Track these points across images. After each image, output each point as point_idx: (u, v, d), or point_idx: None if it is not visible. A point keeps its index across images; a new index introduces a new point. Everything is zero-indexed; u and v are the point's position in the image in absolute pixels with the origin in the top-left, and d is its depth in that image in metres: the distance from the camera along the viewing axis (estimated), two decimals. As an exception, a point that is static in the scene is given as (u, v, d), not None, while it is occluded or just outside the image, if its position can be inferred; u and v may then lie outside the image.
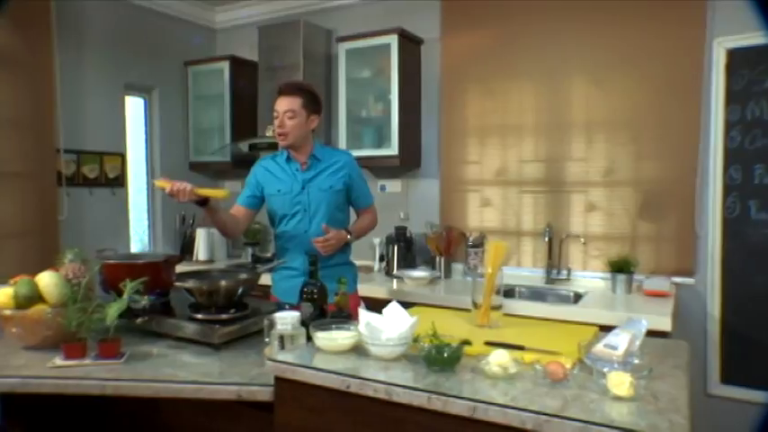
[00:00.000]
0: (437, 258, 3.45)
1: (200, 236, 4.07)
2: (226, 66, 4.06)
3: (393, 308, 1.65)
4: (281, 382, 1.54)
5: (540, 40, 3.30)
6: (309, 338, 1.71)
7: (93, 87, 3.68)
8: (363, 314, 1.61)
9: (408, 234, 3.57)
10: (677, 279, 2.97)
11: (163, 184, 2.20)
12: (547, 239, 3.23)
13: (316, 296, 1.96)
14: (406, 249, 3.54)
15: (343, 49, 3.58)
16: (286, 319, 1.69)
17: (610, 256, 3.08)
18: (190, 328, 1.95)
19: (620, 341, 1.43)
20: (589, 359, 1.43)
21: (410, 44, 3.54)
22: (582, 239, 3.19)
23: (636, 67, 3.04)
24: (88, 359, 1.78)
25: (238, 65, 4.12)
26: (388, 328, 1.54)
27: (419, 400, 1.32)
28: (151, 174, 4.15)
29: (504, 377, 1.38)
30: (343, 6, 3.96)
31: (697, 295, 2.95)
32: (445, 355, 1.43)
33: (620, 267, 2.97)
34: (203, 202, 2.26)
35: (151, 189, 4.16)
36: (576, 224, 3.25)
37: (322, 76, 3.92)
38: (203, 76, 4.22)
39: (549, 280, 3.24)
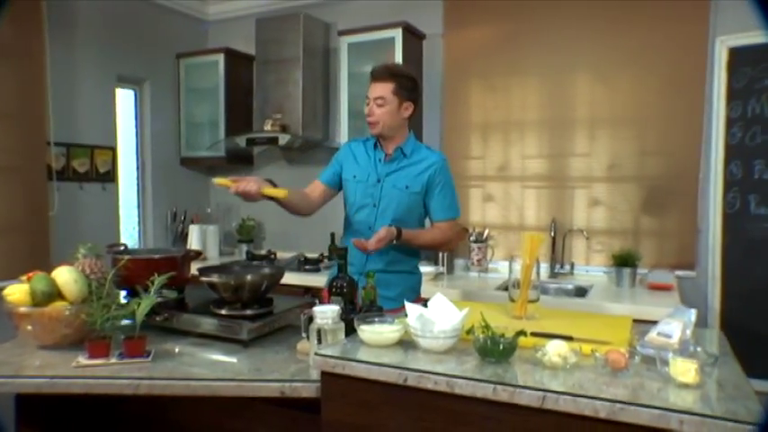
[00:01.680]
0: (440, 254, 3.44)
1: (193, 232, 3.96)
2: (220, 58, 3.96)
3: (438, 300, 1.63)
4: (328, 377, 1.49)
5: (543, 37, 3.32)
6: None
7: (84, 79, 3.54)
8: (412, 307, 1.58)
9: (410, 230, 3.54)
10: (679, 272, 3.03)
11: (225, 182, 2.00)
12: (552, 234, 3.25)
13: (345, 290, 1.92)
14: (409, 245, 3.51)
15: (344, 42, 3.54)
16: (326, 314, 1.64)
17: (613, 251, 3.12)
18: (216, 325, 1.89)
19: (673, 330, 1.44)
20: (644, 348, 1.43)
21: (413, 39, 3.51)
22: (585, 234, 3.22)
23: (639, 64, 3.09)
24: (113, 358, 1.70)
25: (232, 57, 4.02)
26: (440, 320, 1.51)
27: (483, 391, 1.30)
28: (141, 168, 4.02)
29: (564, 367, 1.36)
30: (342, 0, 3.90)
31: (698, 288, 3.01)
32: (501, 346, 1.41)
33: (625, 261, 3.01)
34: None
35: (141, 184, 4.03)
36: (579, 219, 3.28)
37: (320, 70, 3.87)
38: (196, 68, 4.10)
39: (553, 274, 3.27)
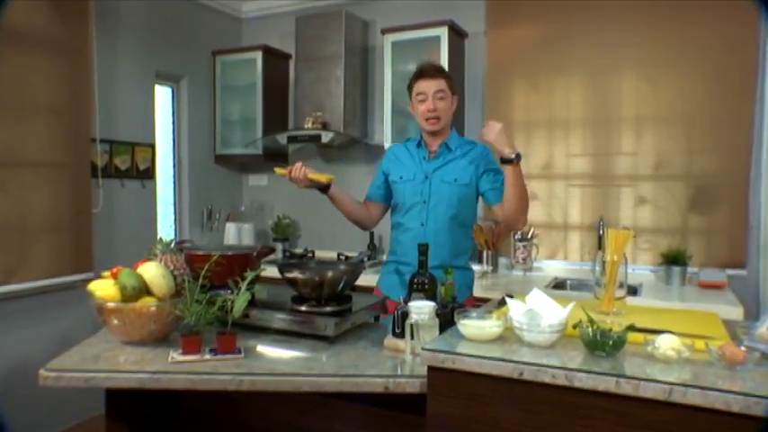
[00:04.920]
0: (484, 252, 3.46)
1: (230, 231, 3.98)
2: (258, 56, 3.97)
3: (536, 295, 1.65)
4: (435, 372, 1.51)
5: (587, 36, 3.35)
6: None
7: (126, 75, 3.56)
8: (514, 303, 1.60)
9: (453, 228, 3.56)
10: (730, 271, 3.05)
11: (282, 171, 2.22)
12: (601, 233, 3.28)
13: (427, 286, 1.94)
14: (452, 243, 3.53)
15: (388, 41, 3.56)
16: (423, 309, 1.67)
17: (660, 249, 3.15)
18: (299, 322, 1.90)
19: (780, 325, 1.46)
20: (753, 343, 1.45)
21: (456, 38, 3.54)
22: (632, 232, 3.24)
23: (686, 62, 3.12)
24: (206, 354, 1.71)
25: (270, 55, 4.04)
26: (547, 314, 1.53)
27: (606, 384, 1.31)
28: (178, 166, 4.04)
29: (678, 361, 1.38)
30: (379, -1, 3.93)
31: (749, 286, 3.03)
32: (611, 341, 1.43)
33: (674, 259, 3.04)
34: (324, 188, 2.23)
35: (177, 181, 4.04)
36: (625, 218, 3.30)
37: (359, 68, 3.89)
38: (232, 66, 4.12)
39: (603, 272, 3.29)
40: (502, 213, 2.26)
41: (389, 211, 2.47)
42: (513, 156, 2.07)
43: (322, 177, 2.21)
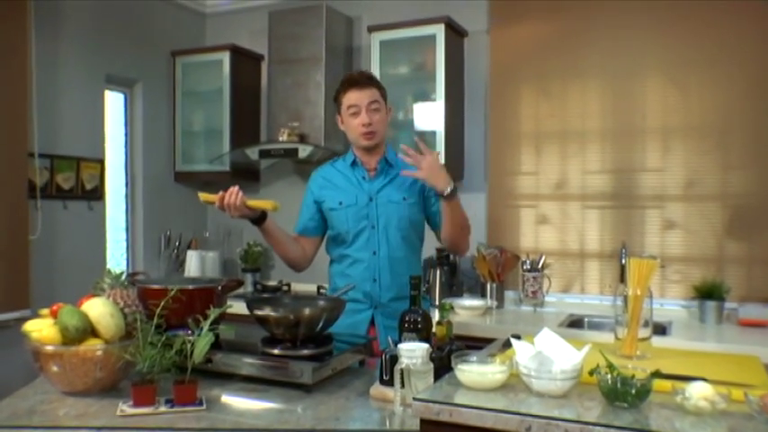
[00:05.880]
0: (487, 285, 3.48)
1: (192, 260, 3.99)
2: (225, 57, 4.02)
3: (547, 335, 1.67)
4: (429, 425, 1.52)
5: (606, 34, 3.43)
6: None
7: (70, 79, 3.59)
8: (520, 344, 1.62)
9: (452, 257, 3.60)
10: (774, 306, 3.10)
11: (210, 197, 2.19)
12: (623, 262, 3.31)
13: (420, 325, 1.96)
14: (451, 275, 3.56)
15: (376, 40, 3.62)
16: (415, 352, 1.68)
17: (692, 281, 3.19)
18: (271, 367, 1.91)
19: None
20: (798, 390, 1.47)
21: (454, 36, 3.61)
22: (659, 262, 3.28)
23: (723, 63, 3.19)
24: (161, 406, 1.71)
25: (239, 56, 4.09)
26: (557, 359, 1.55)
27: (628, 441, 1.33)
28: (131, 185, 4.06)
29: (712, 413, 1.40)
30: (367, -8, 4.01)
31: (796, 324, 3.07)
32: (634, 389, 1.45)
33: (709, 293, 3.07)
34: (258, 218, 2.24)
35: (131, 203, 4.06)
36: (651, 244, 3.35)
37: (341, 71, 3.94)
38: (194, 68, 4.17)
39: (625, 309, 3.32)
40: (444, 240, 2.42)
41: (327, 244, 2.52)
42: (450, 190, 2.17)
43: (266, 204, 2.20)
